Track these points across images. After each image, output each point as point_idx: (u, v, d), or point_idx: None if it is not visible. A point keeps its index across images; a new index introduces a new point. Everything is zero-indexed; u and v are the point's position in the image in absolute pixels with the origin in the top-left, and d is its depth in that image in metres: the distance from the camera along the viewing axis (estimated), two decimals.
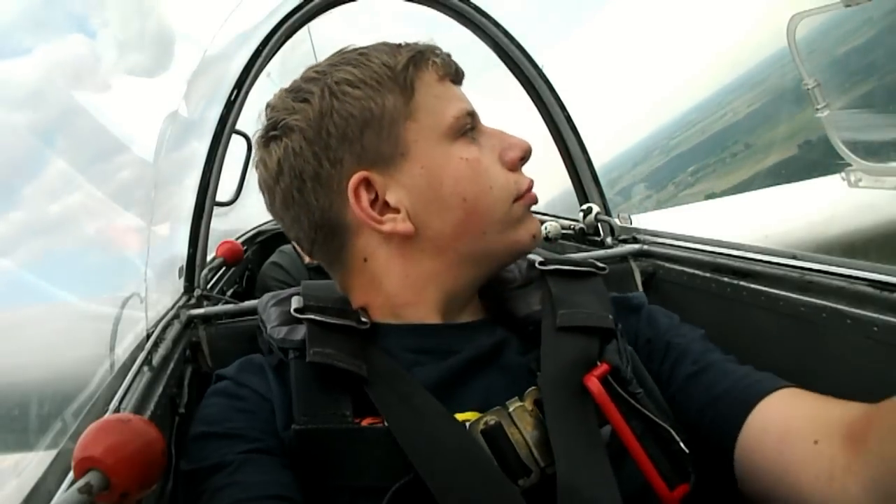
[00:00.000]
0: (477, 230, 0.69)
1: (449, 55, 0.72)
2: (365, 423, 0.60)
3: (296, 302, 0.70)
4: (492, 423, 0.60)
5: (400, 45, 0.71)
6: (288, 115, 0.68)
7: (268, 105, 0.73)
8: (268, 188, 0.72)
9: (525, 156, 0.72)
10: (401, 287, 0.70)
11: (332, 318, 0.68)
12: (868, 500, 0.52)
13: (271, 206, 0.73)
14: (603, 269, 0.78)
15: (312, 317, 0.68)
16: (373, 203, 0.67)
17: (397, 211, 0.67)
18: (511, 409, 0.62)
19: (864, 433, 0.54)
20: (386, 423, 0.59)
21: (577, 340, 0.67)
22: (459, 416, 0.61)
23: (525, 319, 0.73)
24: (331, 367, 0.62)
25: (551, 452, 0.59)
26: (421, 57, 0.69)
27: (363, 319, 0.69)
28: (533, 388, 0.64)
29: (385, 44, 0.71)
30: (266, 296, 0.76)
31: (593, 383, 0.62)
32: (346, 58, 0.70)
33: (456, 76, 0.73)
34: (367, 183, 0.67)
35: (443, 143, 0.68)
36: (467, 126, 0.70)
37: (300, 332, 0.67)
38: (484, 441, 0.59)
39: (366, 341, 0.67)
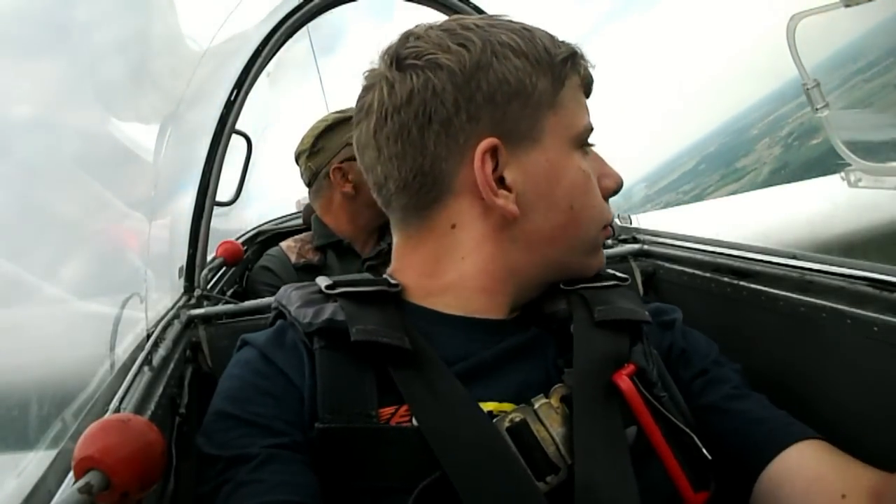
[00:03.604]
0: (569, 241, 0.69)
1: (592, 68, 0.73)
2: (394, 421, 0.59)
3: (323, 281, 0.69)
4: (517, 419, 0.60)
5: (559, 39, 0.71)
6: (440, 51, 0.65)
7: (411, 33, 0.69)
8: (383, 112, 0.67)
9: (618, 189, 0.74)
10: (483, 270, 0.68)
11: (364, 286, 0.67)
12: None
13: (374, 133, 0.68)
14: (625, 279, 0.77)
15: (346, 290, 0.66)
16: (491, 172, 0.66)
17: (509, 190, 0.66)
18: (536, 406, 0.61)
19: (885, 495, 0.55)
20: (414, 421, 0.58)
21: (609, 338, 0.67)
22: (493, 405, 0.61)
23: (550, 317, 0.71)
24: (371, 344, 0.61)
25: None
26: (576, 58, 0.70)
27: (393, 282, 0.69)
28: (559, 385, 0.64)
29: (545, 31, 0.71)
30: (284, 286, 0.74)
31: (624, 381, 0.62)
32: (508, 25, 0.69)
33: (589, 91, 0.73)
34: (493, 152, 0.65)
35: (569, 146, 0.68)
36: (587, 141, 0.71)
37: (327, 311, 0.64)
38: (510, 438, 0.58)
39: (400, 311, 0.66)
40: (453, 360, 0.64)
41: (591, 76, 0.72)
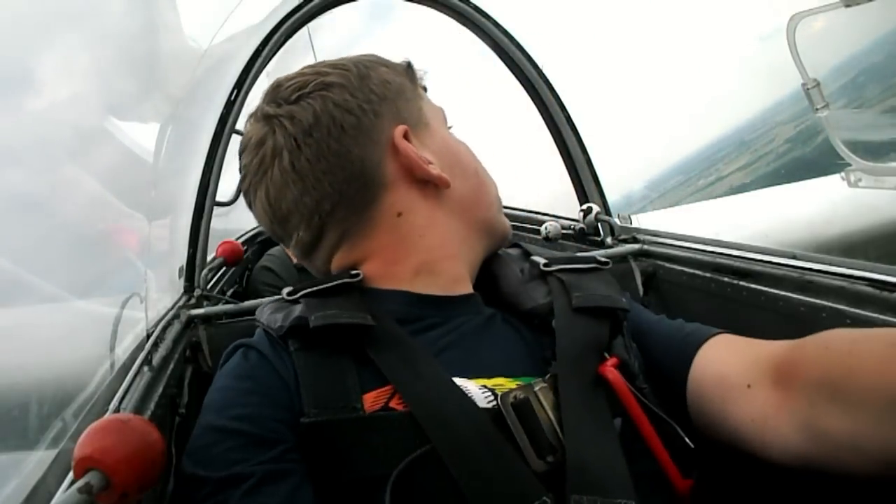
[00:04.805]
0: (485, 202, 0.78)
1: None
2: (379, 403, 0.60)
3: (285, 291, 0.71)
4: (521, 397, 0.60)
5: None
6: (322, 76, 0.73)
7: (279, 83, 0.75)
8: (294, 143, 0.70)
9: None
10: (444, 239, 0.73)
11: (325, 283, 0.70)
12: (800, 439, 0.57)
13: (291, 166, 0.70)
14: (606, 263, 0.79)
15: (306, 290, 0.69)
16: None
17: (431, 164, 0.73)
18: (536, 389, 0.62)
19: (791, 374, 0.59)
20: (404, 406, 0.59)
21: (590, 324, 0.69)
22: (487, 381, 0.62)
23: (530, 312, 0.72)
24: (335, 328, 0.62)
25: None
26: (411, 66, 0.81)
27: (353, 272, 0.71)
28: (549, 376, 0.64)
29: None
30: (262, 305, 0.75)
31: (611, 373, 0.63)
32: (355, 56, 0.78)
33: (425, 91, 0.83)
34: (406, 136, 0.73)
35: (445, 127, 0.81)
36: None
37: (294, 311, 0.66)
38: (515, 414, 0.59)
39: (364, 298, 0.69)
40: (433, 339, 0.66)
41: (422, 80, 0.83)
